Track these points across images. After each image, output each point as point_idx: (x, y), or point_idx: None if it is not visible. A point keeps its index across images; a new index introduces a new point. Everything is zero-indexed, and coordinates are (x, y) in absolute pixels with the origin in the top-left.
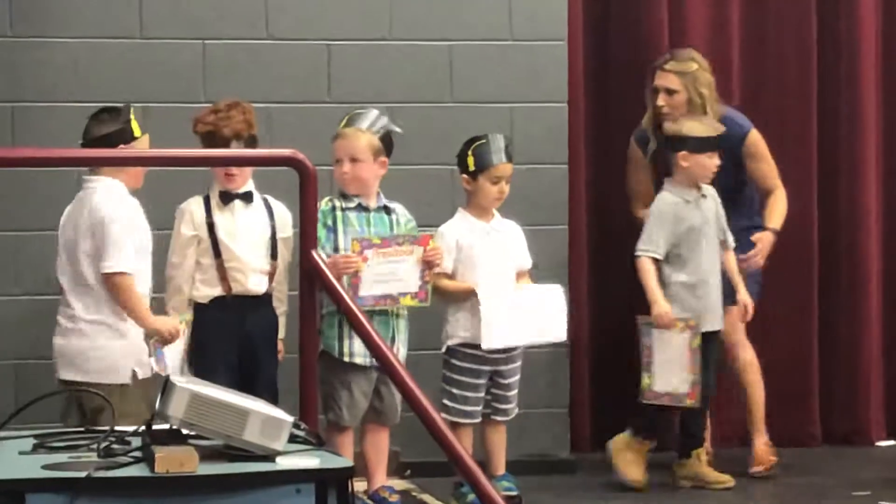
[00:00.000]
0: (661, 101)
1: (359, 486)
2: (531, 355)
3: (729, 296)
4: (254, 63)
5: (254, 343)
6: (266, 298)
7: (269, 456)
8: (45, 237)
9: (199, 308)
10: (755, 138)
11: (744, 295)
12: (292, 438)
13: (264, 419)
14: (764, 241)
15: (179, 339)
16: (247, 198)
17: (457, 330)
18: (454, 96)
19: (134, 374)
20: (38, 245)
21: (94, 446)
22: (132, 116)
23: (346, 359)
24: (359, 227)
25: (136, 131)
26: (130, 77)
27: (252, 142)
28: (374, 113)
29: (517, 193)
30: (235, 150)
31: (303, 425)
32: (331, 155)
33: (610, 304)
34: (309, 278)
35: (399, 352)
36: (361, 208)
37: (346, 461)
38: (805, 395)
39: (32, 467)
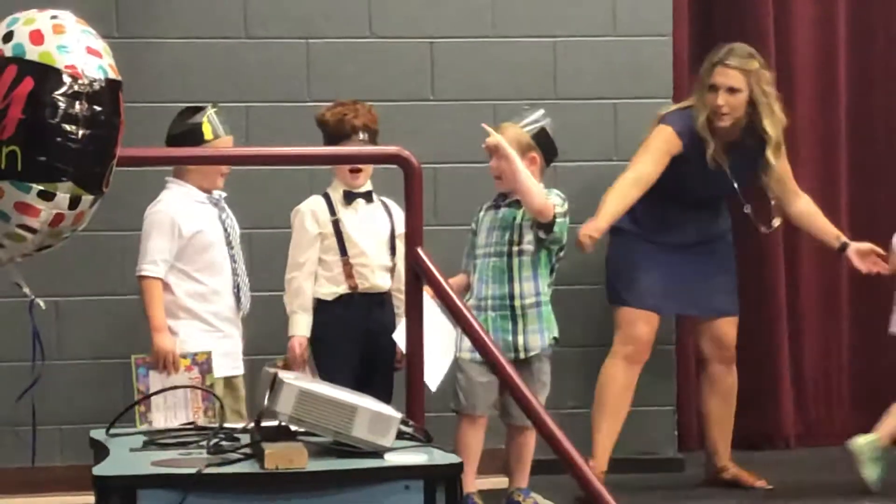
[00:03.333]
0: (722, 100)
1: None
2: None
3: None
4: (357, 62)
5: (377, 339)
6: (389, 295)
7: (378, 452)
8: None
9: (322, 305)
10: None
11: None
12: (400, 435)
13: (372, 415)
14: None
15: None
16: (367, 197)
17: None
18: (558, 93)
19: None
20: None
21: (204, 443)
22: (205, 119)
23: (457, 353)
24: (489, 224)
25: (207, 134)
26: (235, 77)
27: (375, 137)
28: (538, 112)
29: None
30: (342, 148)
31: (411, 422)
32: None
33: None
34: (415, 274)
35: (528, 343)
36: (496, 206)
37: (454, 458)
38: None
39: (143, 464)
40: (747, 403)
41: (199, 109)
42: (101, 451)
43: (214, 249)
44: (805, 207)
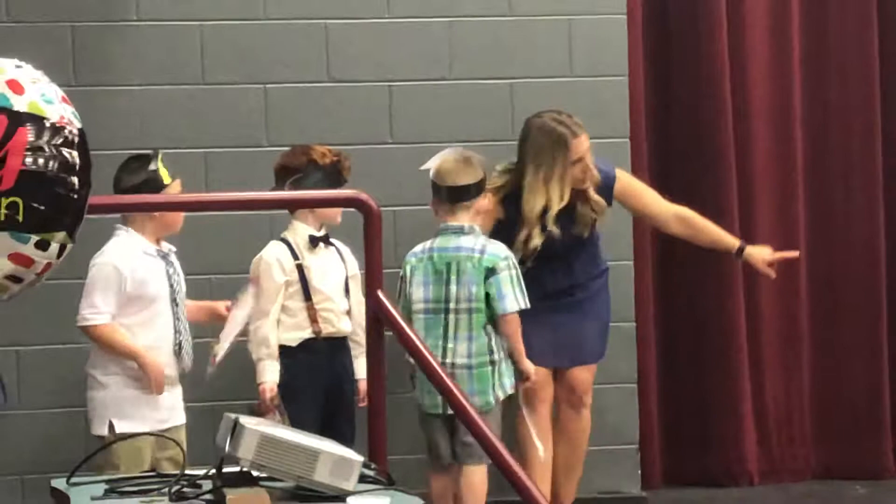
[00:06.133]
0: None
1: None
2: (599, 392)
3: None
4: (315, 106)
5: (340, 382)
6: (348, 338)
7: (340, 496)
8: None
9: (286, 351)
10: (624, 177)
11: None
12: (363, 478)
13: (335, 460)
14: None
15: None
16: (326, 240)
17: None
18: (516, 134)
19: (111, 426)
20: None
21: (166, 490)
22: (160, 164)
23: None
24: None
25: (166, 178)
26: (193, 123)
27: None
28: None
29: None
30: (302, 192)
31: (373, 465)
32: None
33: (677, 339)
34: (376, 318)
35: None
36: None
37: (417, 500)
38: (878, 427)
39: None
40: (710, 441)
41: (148, 157)
42: (61, 500)
43: (157, 305)
44: (702, 224)
